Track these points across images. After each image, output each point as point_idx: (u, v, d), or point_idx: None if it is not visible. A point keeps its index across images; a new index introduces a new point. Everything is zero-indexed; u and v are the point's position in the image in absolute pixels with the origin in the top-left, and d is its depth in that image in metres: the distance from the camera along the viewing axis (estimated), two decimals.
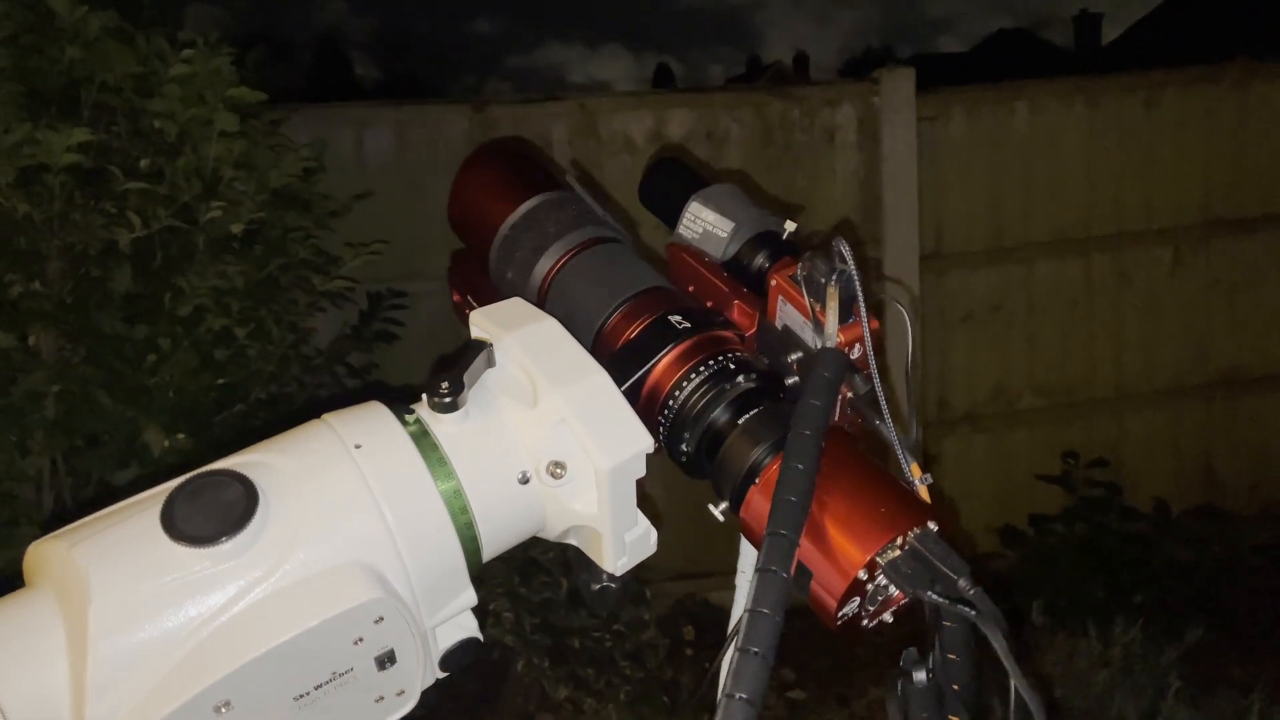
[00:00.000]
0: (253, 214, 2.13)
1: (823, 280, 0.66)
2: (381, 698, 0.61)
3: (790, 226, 0.80)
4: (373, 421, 0.61)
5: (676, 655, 3.24)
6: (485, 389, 0.64)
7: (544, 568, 3.07)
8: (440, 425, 0.62)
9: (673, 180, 0.84)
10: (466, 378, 0.62)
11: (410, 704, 0.63)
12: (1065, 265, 3.83)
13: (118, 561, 0.54)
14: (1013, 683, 0.57)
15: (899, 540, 0.58)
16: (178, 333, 1.86)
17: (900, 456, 0.66)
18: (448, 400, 0.61)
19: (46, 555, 0.56)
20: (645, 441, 0.61)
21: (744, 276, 0.77)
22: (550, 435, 0.62)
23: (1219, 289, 3.94)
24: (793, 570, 0.55)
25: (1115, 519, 3.17)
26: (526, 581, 3.00)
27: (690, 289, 0.79)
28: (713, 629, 3.38)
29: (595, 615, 3.04)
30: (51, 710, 0.53)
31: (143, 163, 2.01)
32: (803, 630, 3.60)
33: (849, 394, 0.69)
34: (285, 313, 2.13)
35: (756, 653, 0.52)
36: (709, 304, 0.77)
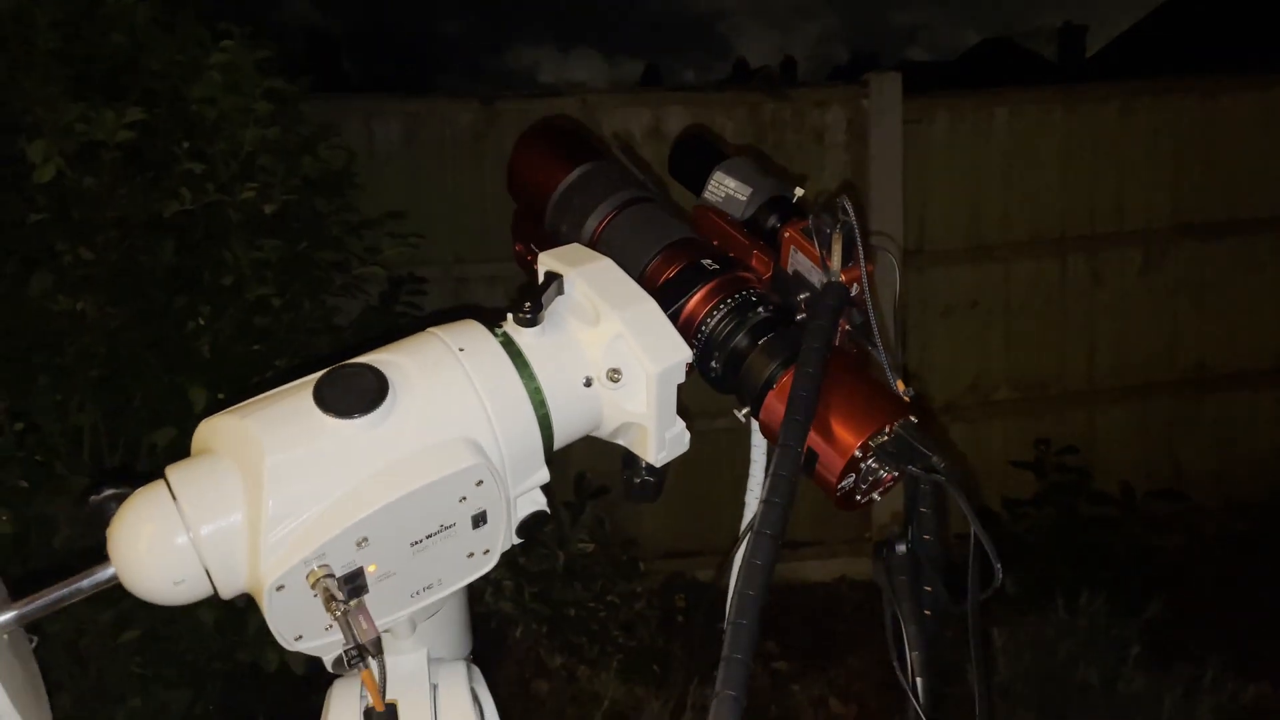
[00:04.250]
0: (284, 196, 2.28)
1: (828, 230, 0.82)
2: (472, 554, 0.76)
3: (799, 191, 0.96)
4: (471, 332, 0.77)
5: (667, 627, 3.40)
6: (556, 312, 0.80)
7: (542, 541, 3.22)
8: (522, 337, 0.78)
9: (698, 153, 0.99)
10: (544, 300, 0.77)
11: (491, 563, 0.78)
12: (1041, 264, 4.02)
13: (283, 428, 0.69)
14: (972, 529, 0.73)
15: (887, 428, 0.74)
16: (219, 300, 2.00)
17: (888, 373, 0.82)
18: (529, 318, 0.76)
19: (218, 427, 0.71)
20: (685, 352, 0.77)
21: (760, 233, 0.93)
22: (609, 348, 0.78)
23: (1187, 290, 4.13)
24: (804, 449, 0.71)
25: (1084, 503, 3.35)
26: (526, 552, 3.15)
27: (715, 243, 0.95)
28: (700, 602, 3.53)
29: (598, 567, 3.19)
30: (230, 544, 0.68)
31: (184, 144, 2.15)
32: (787, 606, 3.77)
33: (847, 326, 0.85)
34: (317, 289, 2.27)
35: (777, 502, 0.67)
36: (730, 254, 0.92)
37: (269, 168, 2.25)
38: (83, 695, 1.88)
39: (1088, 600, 2.68)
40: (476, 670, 0.91)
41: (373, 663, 0.69)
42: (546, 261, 0.82)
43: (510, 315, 0.78)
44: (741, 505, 0.98)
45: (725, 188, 0.96)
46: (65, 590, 0.67)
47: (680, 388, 0.79)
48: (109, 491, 0.70)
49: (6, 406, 1.89)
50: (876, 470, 0.76)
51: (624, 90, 3.69)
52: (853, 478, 0.75)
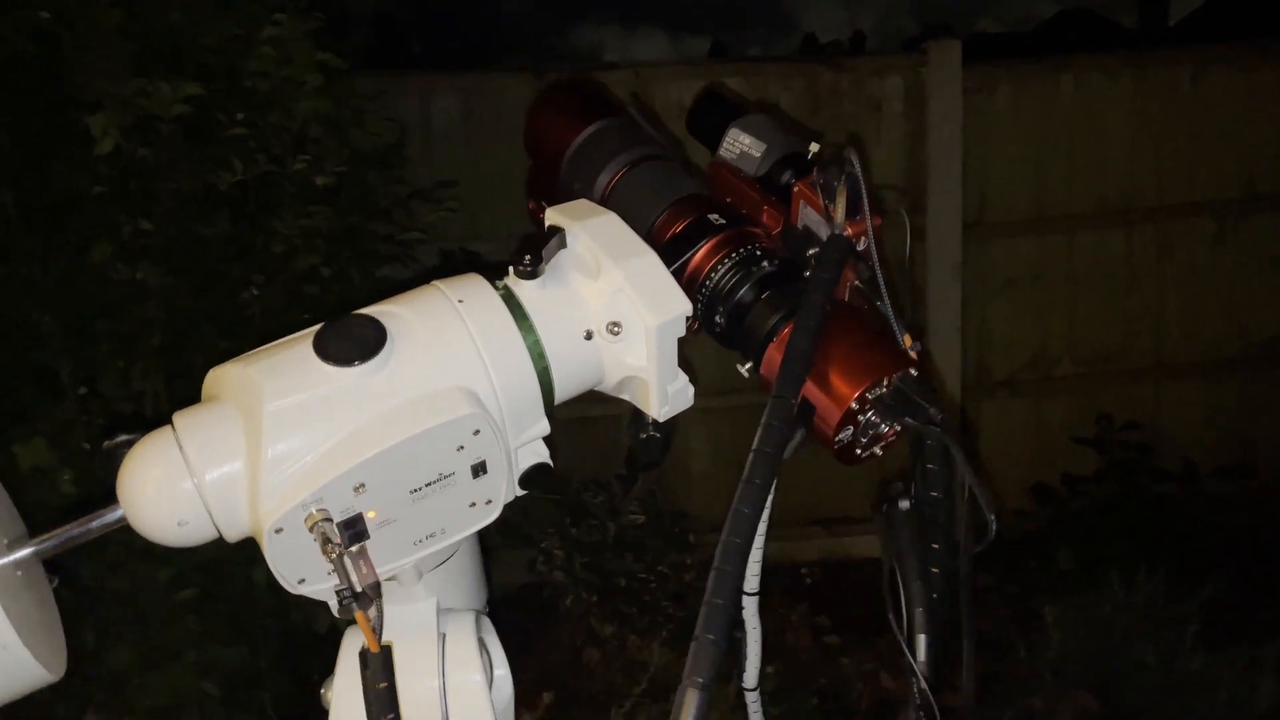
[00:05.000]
0: (336, 168, 2.32)
1: (835, 182, 0.81)
2: (474, 504, 0.77)
3: (814, 147, 0.94)
4: (472, 284, 0.78)
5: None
6: (559, 266, 0.80)
7: (592, 512, 3.25)
8: (523, 290, 0.78)
9: (715, 110, 0.99)
10: (544, 253, 0.78)
11: (494, 514, 0.79)
12: (1107, 236, 3.91)
13: (283, 375, 0.71)
14: (966, 480, 0.72)
15: (885, 380, 0.73)
16: (271, 270, 2.05)
17: (895, 328, 0.81)
18: (528, 269, 0.77)
19: (223, 375, 0.73)
20: (685, 306, 0.77)
21: (774, 190, 0.93)
22: (610, 301, 0.78)
23: (1260, 263, 3.98)
24: (799, 396, 0.70)
25: (1146, 480, 3.27)
26: (577, 523, 3.18)
27: (728, 200, 0.94)
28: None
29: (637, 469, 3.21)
30: (231, 488, 0.70)
31: (239, 116, 2.20)
32: (841, 581, 3.75)
33: (855, 280, 0.84)
34: (365, 260, 2.32)
35: (768, 452, 0.67)
36: (743, 210, 0.92)
37: (321, 140, 2.30)
38: (142, 650, 1.95)
39: (1145, 578, 2.61)
40: (487, 621, 0.93)
41: (371, 608, 0.71)
42: (553, 216, 0.83)
43: (511, 268, 0.78)
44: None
45: (740, 144, 0.95)
46: (76, 530, 0.70)
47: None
48: (122, 438, 0.73)
49: (71, 371, 1.96)
50: (876, 424, 0.75)
51: (679, 62, 3.66)
52: (851, 430, 0.75)
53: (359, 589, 0.69)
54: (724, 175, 0.95)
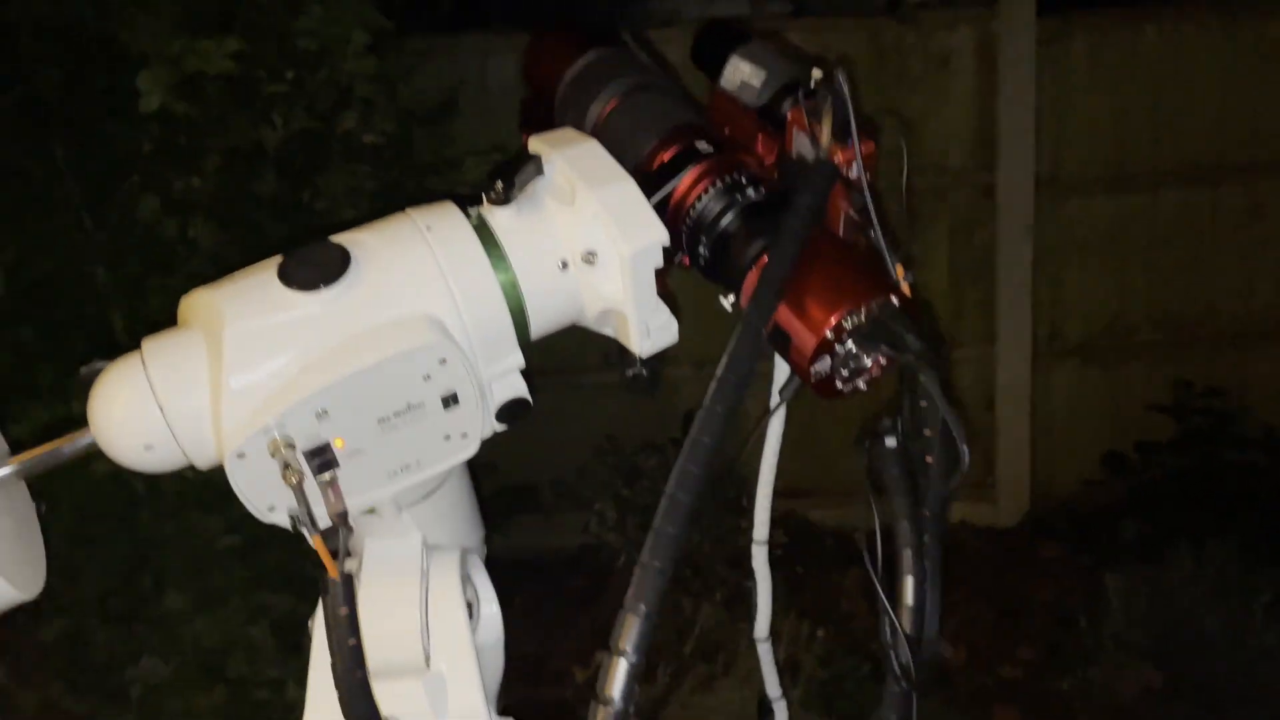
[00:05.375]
0: (383, 126, 2.33)
1: (823, 105, 0.77)
2: (448, 436, 0.76)
3: (816, 74, 0.90)
4: (442, 211, 0.76)
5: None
6: (535, 194, 0.78)
7: (647, 474, 3.24)
8: (496, 219, 0.76)
9: (717, 40, 0.95)
10: (517, 179, 0.76)
11: (472, 448, 0.78)
12: (1192, 194, 3.72)
13: (245, 300, 0.71)
14: (941, 413, 0.68)
15: (863, 309, 0.70)
16: (316, 226, 2.07)
17: (887, 259, 0.77)
18: (500, 196, 0.75)
19: (193, 301, 0.74)
20: (661, 234, 0.74)
21: (774, 120, 0.89)
22: (585, 229, 0.75)
23: None
24: (769, 321, 0.67)
25: (1226, 449, 3.13)
26: (630, 484, 3.18)
27: (726, 130, 0.91)
28: (807, 542, 3.49)
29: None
30: (195, 412, 0.70)
31: (288, 75, 2.22)
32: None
33: (850, 210, 0.80)
34: None
35: (731, 379, 0.64)
36: (740, 142, 0.88)
37: (369, 98, 2.31)
38: (194, 595, 2.01)
39: (1217, 549, 2.50)
40: (475, 559, 0.92)
41: (337, 537, 0.71)
42: (534, 144, 0.80)
43: (484, 195, 0.76)
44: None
45: (740, 73, 0.91)
46: (45, 453, 0.71)
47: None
48: (98, 364, 0.73)
49: (125, 325, 2.02)
50: (857, 356, 0.71)
51: (739, 16, 3.59)
52: (828, 362, 0.71)
53: (316, 516, 0.69)
54: (723, 105, 0.91)
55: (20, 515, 0.75)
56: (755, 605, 1.14)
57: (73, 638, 2.00)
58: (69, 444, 0.71)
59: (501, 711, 0.93)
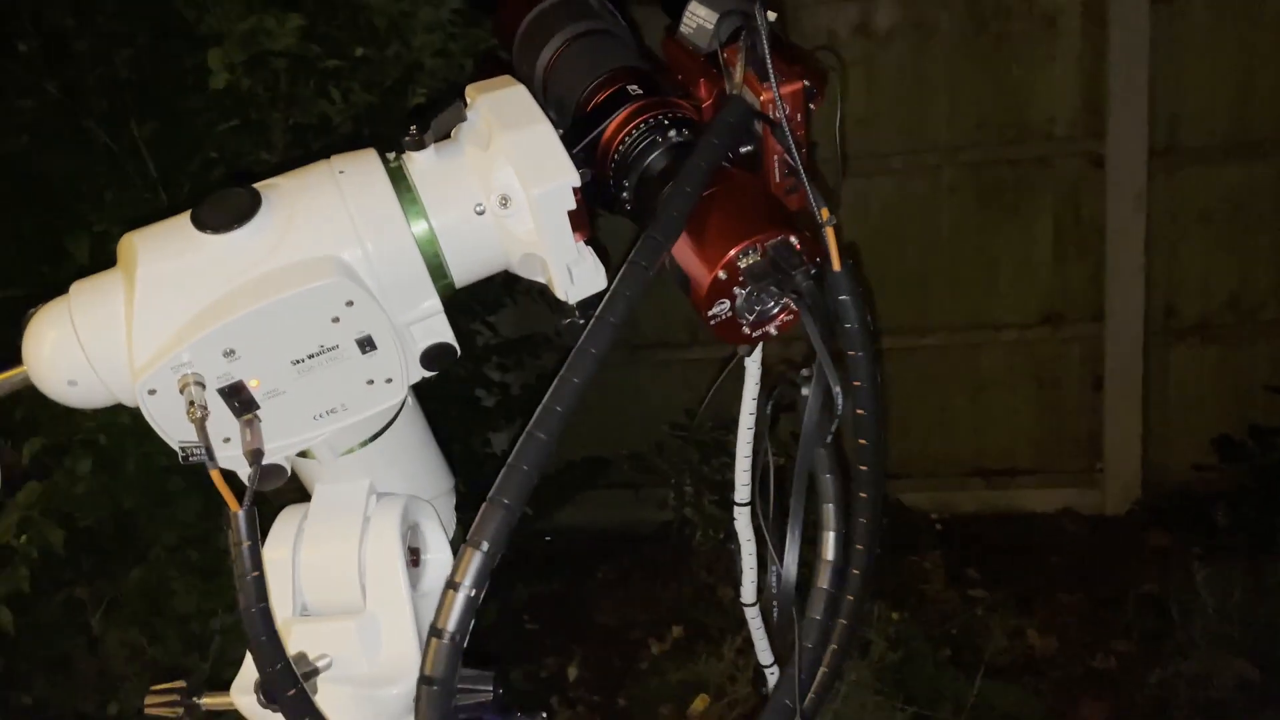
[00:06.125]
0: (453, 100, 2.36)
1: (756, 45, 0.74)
2: (371, 381, 0.77)
3: (772, 16, 0.87)
4: (359, 156, 0.77)
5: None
6: (457, 140, 0.78)
7: (727, 450, 3.20)
8: (413, 163, 0.77)
9: None
10: (434, 124, 0.76)
11: (400, 393, 0.79)
12: None
13: (159, 241, 0.73)
14: (817, 358, 0.65)
15: (758, 248, 0.67)
16: None
17: (811, 200, 0.73)
18: (413, 140, 0.75)
19: (120, 245, 0.76)
20: (570, 175, 0.73)
21: (719, 64, 0.86)
22: (499, 172, 0.75)
23: None
24: (658, 263, 0.65)
25: None
26: (707, 460, 3.16)
27: (680, 78, 0.88)
28: (892, 524, 3.39)
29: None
30: (112, 349, 0.73)
31: (358, 51, 2.28)
32: (996, 536, 3.56)
33: (782, 153, 0.77)
34: None
35: (611, 322, 0.63)
36: (689, 89, 0.86)
37: (436, 72, 2.35)
38: None
39: None
40: (426, 506, 0.93)
41: (253, 475, 0.72)
42: (469, 91, 0.80)
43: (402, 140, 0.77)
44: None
45: (696, 17, 0.88)
46: None
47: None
48: (39, 306, 0.77)
49: None
50: (762, 299, 0.69)
51: None
52: (727, 305, 0.69)
53: (213, 451, 0.71)
54: (674, 52, 0.89)
55: None
56: (739, 569, 1.12)
57: (154, 589, 2.12)
58: (5, 379, 0.75)
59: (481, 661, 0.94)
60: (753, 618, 1.14)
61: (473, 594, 0.57)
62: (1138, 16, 3.32)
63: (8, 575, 2.02)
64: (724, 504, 3.19)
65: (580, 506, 3.35)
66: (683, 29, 0.90)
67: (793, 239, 0.67)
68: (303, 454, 0.84)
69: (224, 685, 0.88)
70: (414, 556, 0.89)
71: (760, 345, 0.88)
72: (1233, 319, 3.56)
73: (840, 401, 0.66)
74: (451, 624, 0.56)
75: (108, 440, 1.94)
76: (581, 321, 0.81)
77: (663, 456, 3.31)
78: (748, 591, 1.13)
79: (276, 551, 0.85)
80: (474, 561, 0.57)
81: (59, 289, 0.77)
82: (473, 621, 0.57)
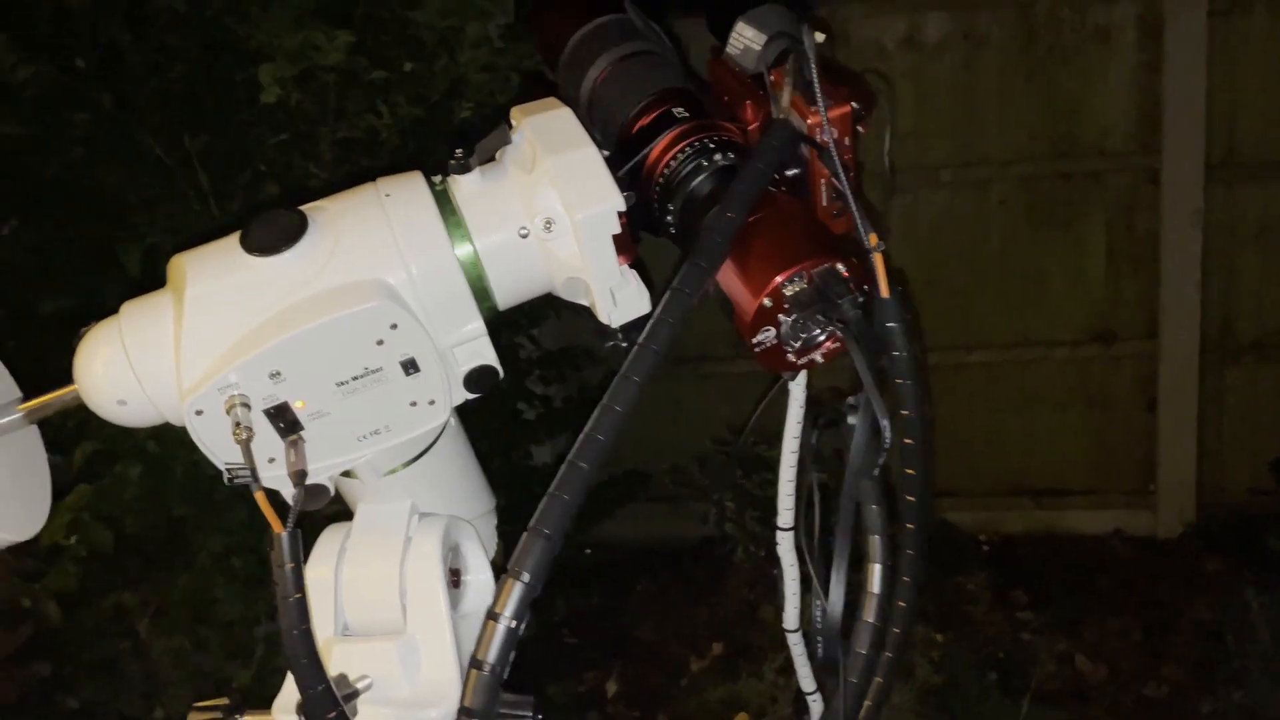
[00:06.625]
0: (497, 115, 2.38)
1: (805, 68, 0.73)
2: (415, 403, 0.77)
3: (820, 37, 0.86)
4: (405, 179, 0.77)
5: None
6: (502, 163, 0.78)
7: (769, 464, 3.18)
8: (459, 186, 0.76)
9: (730, 6, 0.92)
10: (479, 147, 0.76)
11: (443, 415, 0.78)
12: None
13: (208, 263, 0.74)
14: (864, 388, 0.63)
15: (804, 275, 0.66)
16: None
17: (859, 225, 0.72)
18: (459, 163, 0.75)
19: (170, 265, 0.77)
20: (615, 199, 0.72)
21: (765, 85, 0.85)
22: (544, 195, 0.74)
23: None
24: (702, 289, 0.65)
25: None
26: (748, 475, 3.13)
27: (725, 99, 0.88)
28: (938, 543, 3.35)
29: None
30: (161, 369, 0.73)
31: (406, 66, 2.31)
32: (1046, 557, 3.50)
33: (831, 179, 0.76)
34: None
35: (654, 349, 0.62)
36: (733, 109, 0.85)
37: (482, 86, 2.36)
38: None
39: None
40: (467, 527, 0.92)
41: (296, 496, 0.73)
42: (514, 113, 0.80)
43: (447, 163, 0.77)
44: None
45: (743, 38, 0.88)
46: (38, 404, 0.77)
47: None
48: (91, 324, 0.78)
49: None
50: (808, 326, 0.67)
51: None
52: (772, 332, 0.67)
53: (259, 474, 0.71)
54: (721, 74, 0.88)
55: (25, 460, 0.81)
56: (781, 593, 1.10)
57: (198, 595, 2.15)
58: (56, 397, 0.76)
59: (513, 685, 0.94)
60: (795, 644, 1.12)
61: (513, 625, 0.56)
62: (1194, 28, 3.25)
63: (57, 572, 2.06)
64: (765, 520, 3.16)
65: (619, 520, 3.34)
66: (730, 50, 0.90)
67: (839, 266, 0.66)
68: (346, 474, 0.84)
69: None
70: (454, 577, 0.89)
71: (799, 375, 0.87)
72: None
73: (888, 435, 0.64)
74: (492, 655, 0.56)
75: (158, 447, 1.97)
76: (624, 345, 0.81)
77: (704, 471, 3.29)
78: (790, 617, 1.11)
79: (319, 570, 0.85)
80: (515, 592, 0.56)
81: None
82: (514, 652, 0.56)
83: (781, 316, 0.67)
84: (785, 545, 1.08)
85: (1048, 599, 3.19)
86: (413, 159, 2.28)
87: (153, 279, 2.05)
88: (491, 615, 0.57)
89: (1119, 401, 3.63)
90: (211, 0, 2.06)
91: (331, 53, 2.07)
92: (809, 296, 0.66)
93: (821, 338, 0.68)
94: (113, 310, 0.77)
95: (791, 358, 0.69)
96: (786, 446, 1.02)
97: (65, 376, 0.77)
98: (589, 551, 3.55)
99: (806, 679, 1.14)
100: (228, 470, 0.71)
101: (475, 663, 0.56)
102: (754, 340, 0.68)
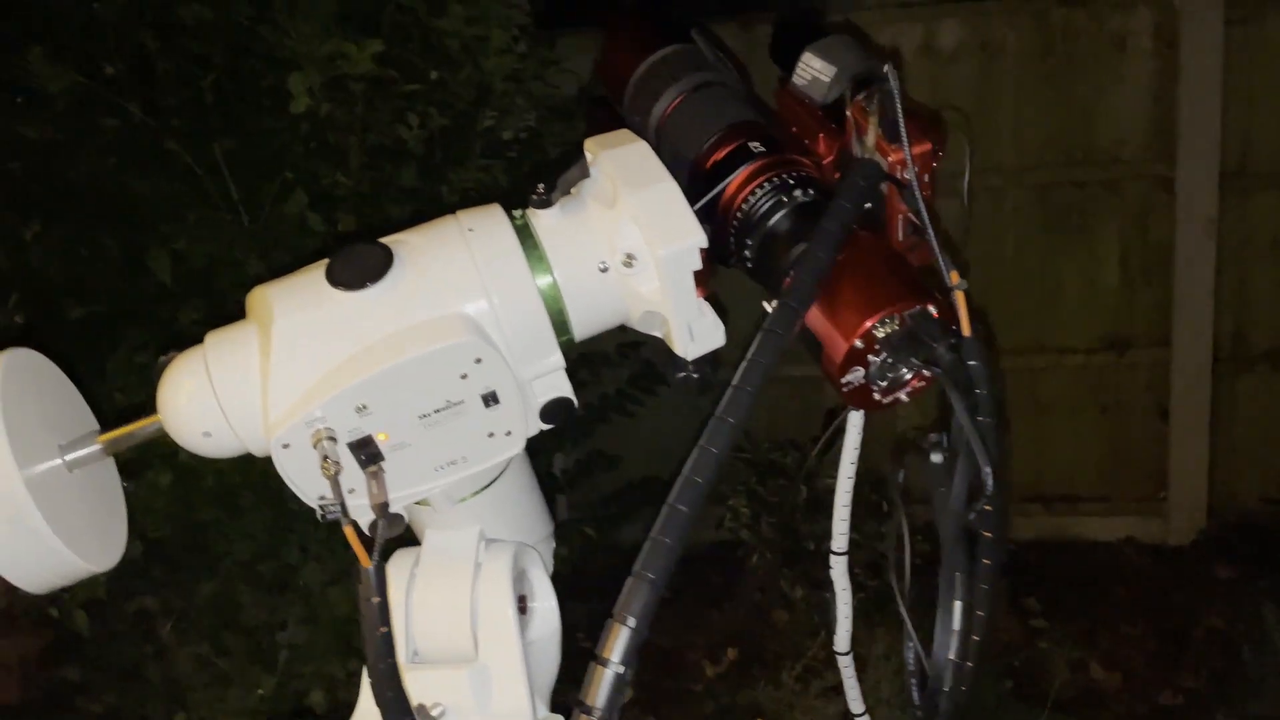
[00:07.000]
0: (523, 123, 2.39)
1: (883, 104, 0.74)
2: (492, 434, 0.77)
3: (888, 70, 0.86)
4: (487, 213, 0.78)
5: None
6: (580, 197, 0.78)
7: (784, 470, 3.20)
8: (540, 220, 0.77)
9: (794, 36, 0.92)
10: (560, 181, 0.76)
11: (518, 446, 0.79)
12: None
13: (295, 296, 0.74)
14: (966, 433, 0.64)
15: (896, 318, 0.66)
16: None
17: (940, 264, 0.73)
18: (542, 199, 0.76)
19: (253, 296, 0.78)
20: (698, 236, 0.73)
21: (838, 118, 0.86)
22: (624, 231, 0.75)
23: None
24: (794, 330, 0.65)
25: None
26: (764, 482, 3.14)
27: (794, 130, 0.88)
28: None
29: None
30: (246, 402, 0.74)
31: (432, 74, 2.31)
32: (1058, 564, 3.50)
33: (907, 213, 0.77)
34: None
35: (747, 390, 0.63)
36: (805, 141, 0.86)
37: (508, 94, 2.37)
38: (331, 567, 2.13)
39: None
40: (533, 553, 0.93)
41: (379, 528, 0.73)
42: (588, 146, 0.81)
43: (528, 198, 0.77)
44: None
45: (811, 69, 0.88)
46: (121, 435, 0.77)
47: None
48: (172, 354, 0.79)
49: None
50: (895, 366, 0.68)
51: (893, 4, 3.47)
52: (861, 372, 0.68)
53: (352, 507, 0.71)
54: (790, 104, 0.89)
55: (103, 491, 0.82)
56: (833, 616, 1.11)
57: (223, 601, 2.16)
58: (140, 428, 0.77)
59: (558, 707, 0.95)
60: (845, 665, 1.13)
61: (621, 670, 0.57)
62: (1211, 38, 3.26)
63: (85, 581, 2.06)
64: (782, 528, 3.17)
65: (633, 525, 3.36)
66: (796, 80, 0.90)
67: (930, 308, 0.66)
68: (418, 501, 0.84)
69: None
70: (521, 603, 0.90)
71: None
72: None
73: (991, 482, 0.65)
74: (601, 700, 0.56)
75: (188, 456, 1.97)
76: (695, 376, 0.82)
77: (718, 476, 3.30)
78: (842, 640, 1.12)
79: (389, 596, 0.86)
80: (621, 637, 0.57)
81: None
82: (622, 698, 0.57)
83: (871, 357, 0.67)
84: (839, 569, 1.09)
85: (1061, 606, 3.20)
86: (440, 168, 2.29)
87: (184, 286, 2.05)
88: (598, 660, 0.57)
89: (1131, 409, 3.64)
90: (240, 9, 2.06)
91: (361, 61, 2.07)
92: (900, 338, 0.66)
93: (908, 376, 0.69)
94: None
95: (878, 396, 0.70)
96: (843, 472, 1.02)
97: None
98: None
99: (856, 700, 1.15)
100: (321, 506, 0.72)
101: (584, 708, 0.57)
102: (842, 380, 0.68)
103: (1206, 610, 3.15)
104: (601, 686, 0.57)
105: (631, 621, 0.57)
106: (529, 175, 0.78)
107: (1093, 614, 3.19)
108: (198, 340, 0.78)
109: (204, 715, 2.28)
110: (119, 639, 2.24)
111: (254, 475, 2.11)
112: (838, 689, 2.90)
